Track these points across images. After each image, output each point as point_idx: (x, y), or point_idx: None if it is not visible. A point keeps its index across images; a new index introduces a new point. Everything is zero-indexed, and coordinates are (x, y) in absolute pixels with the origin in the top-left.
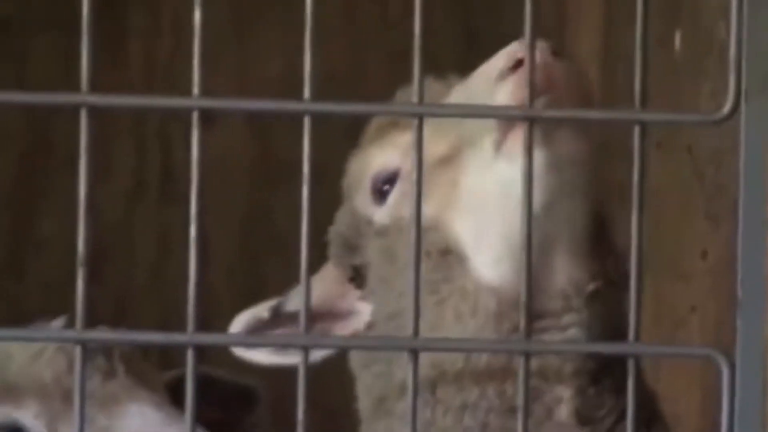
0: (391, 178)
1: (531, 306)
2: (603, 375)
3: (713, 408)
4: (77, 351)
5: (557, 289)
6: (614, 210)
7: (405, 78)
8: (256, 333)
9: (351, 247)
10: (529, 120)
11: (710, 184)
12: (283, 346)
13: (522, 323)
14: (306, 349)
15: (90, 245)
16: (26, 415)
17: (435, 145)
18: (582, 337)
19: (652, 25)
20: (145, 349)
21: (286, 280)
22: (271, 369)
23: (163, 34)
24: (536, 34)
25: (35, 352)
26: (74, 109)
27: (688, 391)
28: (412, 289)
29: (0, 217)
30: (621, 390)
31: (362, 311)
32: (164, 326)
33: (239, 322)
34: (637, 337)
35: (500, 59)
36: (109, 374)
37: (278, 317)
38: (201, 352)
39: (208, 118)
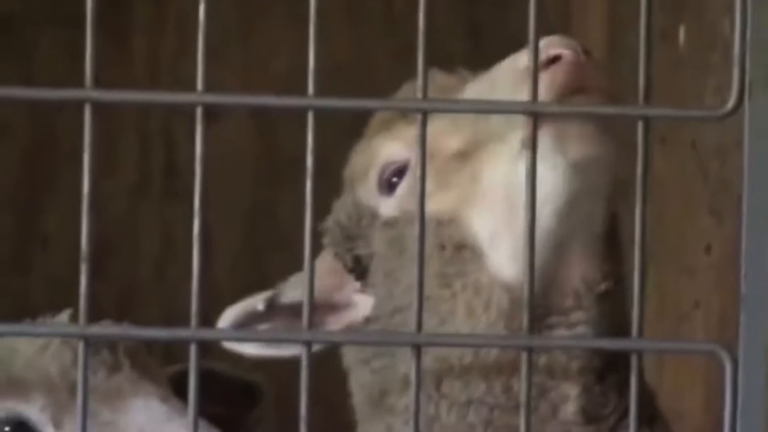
0: (400, 170)
1: (534, 302)
2: (608, 373)
3: (717, 403)
4: (80, 346)
5: (570, 287)
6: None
7: (410, 72)
8: (250, 325)
9: (351, 237)
10: (533, 115)
11: (714, 179)
12: (284, 341)
13: (525, 319)
14: (309, 345)
15: (94, 241)
16: (32, 408)
17: (452, 138)
18: (590, 334)
19: (656, 20)
20: (149, 344)
21: (289, 276)
22: (274, 363)
23: (168, 29)
24: (541, 28)
25: (40, 346)
26: (78, 105)
27: (691, 386)
28: (414, 282)
29: (5, 213)
30: (624, 388)
31: (360, 303)
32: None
33: (227, 317)
34: (641, 333)
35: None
36: (114, 368)
37: (273, 309)
38: (205, 346)
39: (212, 113)
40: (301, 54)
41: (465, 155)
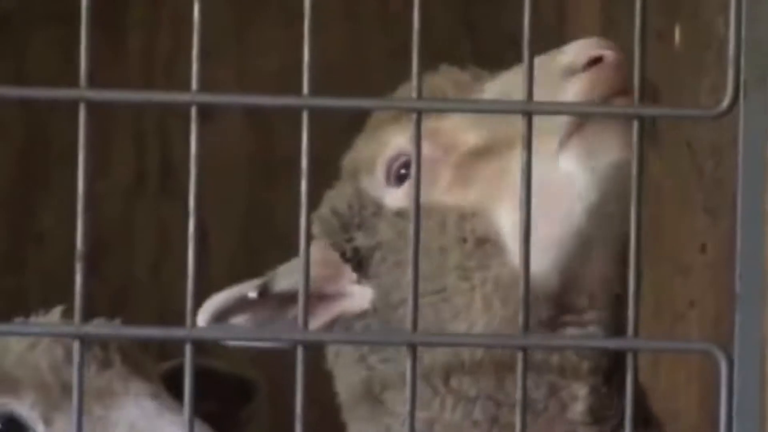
0: (409, 163)
1: (529, 301)
2: (614, 374)
3: (712, 402)
4: (75, 345)
5: (587, 286)
6: None
7: (405, 71)
8: (237, 313)
9: (350, 227)
10: (527, 114)
11: (709, 179)
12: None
13: (520, 318)
14: (305, 345)
15: (89, 240)
16: (22, 405)
17: (469, 134)
18: (601, 334)
19: (651, 19)
20: (144, 342)
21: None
22: (268, 360)
23: (162, 28)
24: (535, 28)
25: (31, 342)
26: (73, 104)
27: (687, 385)
28: (430, 274)
29: None
30: (622, 388)
31: (357, 294)
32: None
33: (206, 310)
34: (636, 333)
35: (568, 55)
36: (105, 364)
37: (262, 297)
38: (200, 345)
39: (206, 113)
40: (295, 53)
41: (488, 151)
